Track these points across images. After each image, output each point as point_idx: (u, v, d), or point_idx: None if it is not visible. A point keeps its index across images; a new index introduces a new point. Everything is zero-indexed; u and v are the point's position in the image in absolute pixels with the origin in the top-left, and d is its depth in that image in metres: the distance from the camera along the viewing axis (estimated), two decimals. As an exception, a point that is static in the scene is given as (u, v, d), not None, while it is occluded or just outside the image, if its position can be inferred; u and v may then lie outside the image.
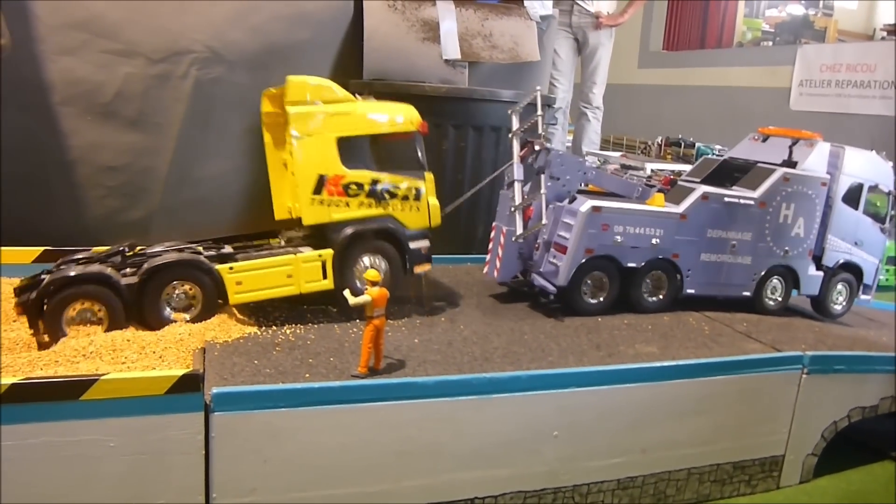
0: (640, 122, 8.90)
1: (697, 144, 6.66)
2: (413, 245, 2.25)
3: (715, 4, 10.73)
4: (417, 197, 2.24)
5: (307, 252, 2.13)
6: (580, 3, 5.50)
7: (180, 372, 1.50)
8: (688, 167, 6.00)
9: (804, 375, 2.19)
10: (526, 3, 3.81)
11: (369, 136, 2.20)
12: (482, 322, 2.27)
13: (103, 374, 1.46)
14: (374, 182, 2.16)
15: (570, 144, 6.05)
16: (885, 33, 9.71)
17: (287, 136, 2.13)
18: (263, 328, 2.00)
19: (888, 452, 2.49)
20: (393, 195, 2.19)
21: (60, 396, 1.43)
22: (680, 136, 7.12)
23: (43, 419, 1.43)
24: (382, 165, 2.21)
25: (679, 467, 2.08)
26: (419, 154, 2.25)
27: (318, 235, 2.19)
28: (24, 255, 2.36)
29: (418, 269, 2.28)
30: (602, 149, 6.25)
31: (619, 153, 6.68)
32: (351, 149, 2.14)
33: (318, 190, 2.10)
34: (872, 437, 2.49)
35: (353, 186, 2.13)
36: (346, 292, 1.82)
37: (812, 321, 2.71)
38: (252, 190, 3.38)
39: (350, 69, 3.40)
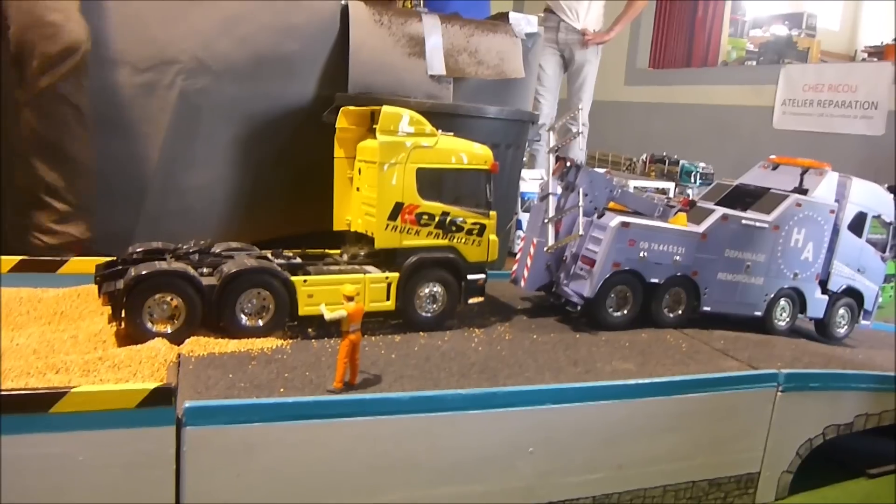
0: (627, 139, 8.97)
1: (682, 162, 6.72)
2: (471, 277, 2.36)
3: (700, 24, 10.87)
4: (481, 233, 2.37)
5: (375, 273, 2.24)
6: (567, 20, 5.56)
7: (152, 385, 1.49)
8: (670, 185, 6.07)
9: (779, 393, 2.20)
10: (512, 21, 3.85)
11: (444, 170, 2.31)
12: (461, 337, 2.27)
13: (73, 387, 1.44)
14: (445, 214, 2.30)
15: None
16: (866, 55, 9.87)
17: (369, 161, 2.29)
18: (240, 342, 1.98)
19: (863, 469, 2.51)
20: (459, 229, 2.33)
21: (29, 409, 1.41)
22: (664, 154, 7.18)
23: (11, 432, 1.40)
24: (452, 199, 2.32)
25: (655, 484, 2.08)
26: (487, 192, 2.37)
27: (382, 256, 2.31)
28: (2, 264, 2.34)
29: (472, 300, 2.40)
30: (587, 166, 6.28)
31: (604, 170, 6.72)
32: (426, 180, 2.26)
33: (393, 216, 2.23)
34: (847, 454, 2.50)
35: (426, 216, 2.27)
36: (323, 306, 1.82)
37: (790, 339, 2.73)
38: (237, 200, 3.38)
39: (337, 82, 3.41)
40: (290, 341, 2.05)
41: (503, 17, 3.89)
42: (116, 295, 1.92)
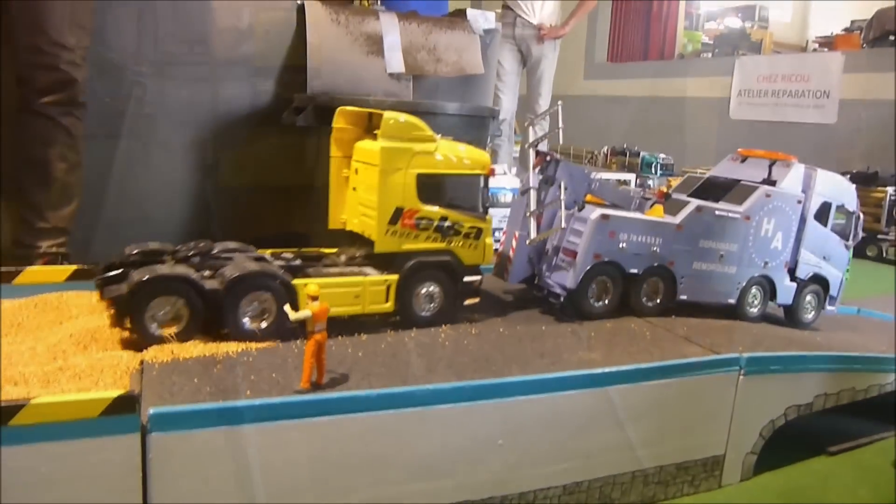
0: (586, 133, 9.07)
1: (642, 153, 6.82)
2: (467, 279, 2.38)
3: (656, 17, 11.03)
4: (477, 236, 2.39)
5: (375, 276, 2.27)
6: (523, 15, 5.60)
7: (115, 393, 1.47)
8: (631, 176, 6.16)
9: (741, 376, 2.25)
10: (469, 17, 3.87)
11: (444, 175, 2.33)
12: (428, 333, 2.27)
13: (33, 398, 1.42)
14: (443, 219, 2.32)
15: (516, 155, 6.13)
16: (817, 45, 10.13)
17: (367, 162, 2.30)
18: (205, 346, 1.96)
19: (823, 448, 2.58)
20: (457, 232, 2.35)
21: (-13, 423, 1.38)
22: (625, 146, 7.28)
23: (-31, 447, 1.38)
24: (450, 203, 2.33)
25: (623, 470, 2.12)
26: (483, 197, 2.40)
27: (380, 257, 2.31)
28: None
29: (468, 302, 2.42)
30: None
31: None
32: (425, 185, 2.28)
33: (393, 220, 2.25)
34: (808, 433, 2.57)
35: (425, 221, 2.29)
36: (287, 307, 1.82)
37: (751, 324, 2.80)
38: (196, 205, 3.33)
39: (294, 83, 3.39)
40: (256, 343, 2.03)
41: (461, 14, 3.91)
42: (120, 299, 1.89)
